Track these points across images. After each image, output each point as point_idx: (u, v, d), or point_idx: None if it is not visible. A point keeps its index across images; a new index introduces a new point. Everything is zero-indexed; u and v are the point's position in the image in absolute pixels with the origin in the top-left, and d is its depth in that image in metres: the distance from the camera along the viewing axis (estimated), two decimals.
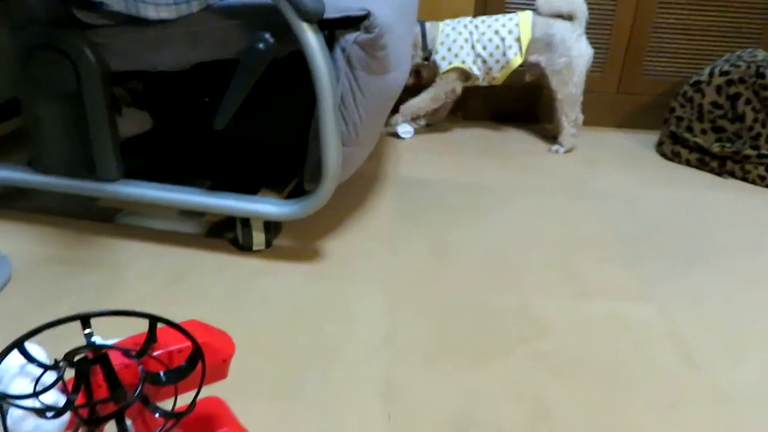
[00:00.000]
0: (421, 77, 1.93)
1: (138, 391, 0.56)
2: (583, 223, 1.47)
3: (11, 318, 1.01)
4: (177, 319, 0.70)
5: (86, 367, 0.53)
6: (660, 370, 1.00)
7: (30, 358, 0.56)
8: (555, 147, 1.90)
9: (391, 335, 1.04)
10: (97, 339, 0.66)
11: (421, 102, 1.88)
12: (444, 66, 1.81)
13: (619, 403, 0.92)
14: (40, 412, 0.52)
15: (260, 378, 0.93)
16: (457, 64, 1.80)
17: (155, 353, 0.64)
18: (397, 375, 0.95)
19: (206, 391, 0.84)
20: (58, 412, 0.52)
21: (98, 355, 0.55)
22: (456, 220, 1.45)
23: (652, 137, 2.02)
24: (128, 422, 0.65)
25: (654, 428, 0.88)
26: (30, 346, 0.59)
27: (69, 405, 0.53)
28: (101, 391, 0.58)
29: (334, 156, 1.12)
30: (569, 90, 1.82)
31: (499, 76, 1.83)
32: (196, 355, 0.61)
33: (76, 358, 0.54)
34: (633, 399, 0.93)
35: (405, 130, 1.94)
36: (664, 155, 1.91)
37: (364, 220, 1.42)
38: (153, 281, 1.15)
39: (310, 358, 0.97)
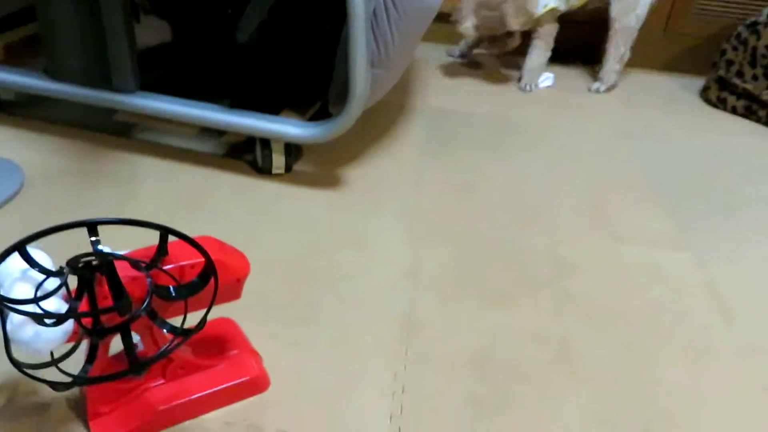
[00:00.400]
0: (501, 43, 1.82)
1: (146, 303, 0.52)
2: (619, 165, 1.40)
3: (22, 225, 0.99)
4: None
5: (90, 273, 0.50)
6: (691, 321, 0.95)
7: (32, 262, 0.53)
8: (595, 85, 1.80)
9: (411, 268, 1.00)
10: (105, 249, 0.62)
11: (539, 57, 1.77)
12: (540, 10, 1.69)
13: (647, 351, 0.88)
14: (40, 319, 0.48)
15: (274, 302, 0.90)
16: (552, 5, 1.69)
17: (166, 267, 0.60)
18: (416, 308, 0.91)
19: (218, 312, 0.81)
20: (59, 320, 0.49)
21: (103, 262, 0.51)
22: (486, 155, 1.38)
23: (697, 82, 1.90)
24: (136, 338, 0.62)
25: (681, 378, 0.84)
26: (34, 252, 0.56)
27: (70, 312, 0.50)
28: (107, 303, 0.55)
29: (362, 77, 1.05)
30: (629, 21, 1.70)
31: (577, 2, 1.71)
32: (209, 271, 0.57)
33: (80, 264, 0.50)
34: (661, 348, 0.89)
35: (544, 79, 1.82)
36: (708, 101, 1.80)
37: (389, 149, 1.36)
38: (168, 198, 1.11)
39: (326, 286, 0.94)
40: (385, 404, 0.76)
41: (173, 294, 0.56)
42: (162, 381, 0.70)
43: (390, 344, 0.85)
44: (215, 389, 0.71)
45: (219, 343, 0.76)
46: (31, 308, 0.50)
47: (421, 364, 0.82)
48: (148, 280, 0.53)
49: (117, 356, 0.72)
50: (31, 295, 0.51)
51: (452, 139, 1.44)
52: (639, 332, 0.91)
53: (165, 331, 0.54)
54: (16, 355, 0.53)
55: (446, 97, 1.67)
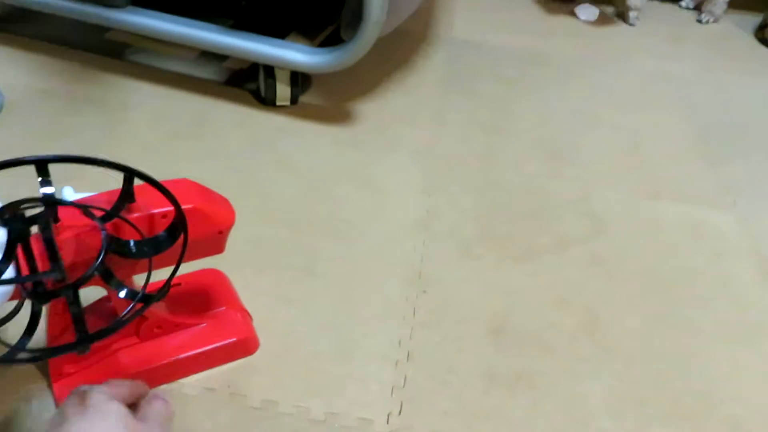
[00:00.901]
0: None
1: (97, 262, 0.43)
2: (659, 109, 1.26)
3: None
4: (181, 176, 0.56)
5: (21, 227, 0.40)
6: (733, 288, 0.85)
7: None
8: (704, 17, 1.70)
9: (425, 218, 0.90)
10: (67, 191, 0.53)
11: None
12: None
13: (682, 321, 0.78)
14: None
15: (270, 251, 0.80)
16: None
17: (132, 216, 0.50)
18: (428, 264, 0.82)
19: (205, 263, 0.72)
20: None
21: (40, 212, 0.41)
22: (513, 93, 1.25)
23: (753, 20, 1.72)
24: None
25: (719, 352, 0.74)
26: None
27: None
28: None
29: None
30: None
31: None
32: (178, 223, 0.48)
33: (12, 215, 0.41)
34: (698, 317, 0.79)
35: (586, 11, 1.64)
36: (763, 41, 1.63)
37: (407, 83, 1.23)
38: (161, 129, 1.01)
39: (328, 234, 0.84)
40: (387, 374, 0.68)
41: (133, 250, 0.47)
42: (136, 340, 0.62)
43: (396, 305, 0.76)
44: (196, 351, 0.63)
45: (204, 299, 0.68)
46: None
47: (430, 329, 0.73)
48: (103, 232, 0.44)
49: (92, 309, 0.64)
50: None
51: (477, 74, 1.30)
52: (674, 300, 0.82)
53: (121, 296, 0.45)
54: None
55: (473, 27, 1.51)
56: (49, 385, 0.61)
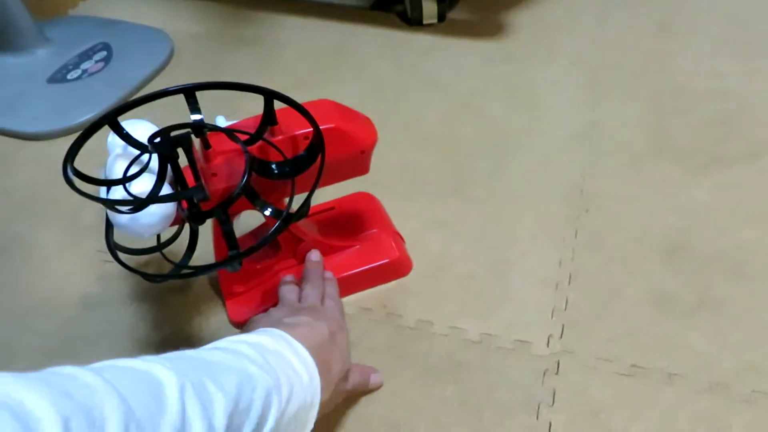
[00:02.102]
0: None
1: (243, 182, 0.44)
2: None
3: None
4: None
5: (168, 149, 0.42)
6: None
7: (125, 137, 0.46)
8: None
9: (587, 130, 0.82)
10: (219, 119, 0.55)
11: None
12: None
13: None
14: (110, 205, 0.42)
15: (422, 173, 0.79)
16: None
17: (275, 139, 0.51)
18: (591, 180, 0.75)
19: (356, 186, 0.73)
20: (135, 207, 0.43)
21: (185, 134, 0.43)
22: None
23: None
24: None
25: None
26: (140, 125, 0.49)
27: (139, 199, 0.43)
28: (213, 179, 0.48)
29: None
30: None
31: None
32: (316, 142, 0.47)
33: (161, 139, 0.43)
34: None
35: None
36: None
37: None
38: (311, 59, 1.02)
39: (481, 155, 0.80)
40: (547, 297, 0.64)
41: (275, 171, 0.47)
42: (294, 263, 0.64)
43: (556, 224, 0.70)
44: (351, 272, 0.64)
45: (356, 222, 0.68)
46: (120, 191, 0.44)
47: (594, 251, 0.67)
48: (246, 154, 0.45)
49: (253, 234, 0.68)
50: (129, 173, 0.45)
51: None
52: None
53: (266, 214, 0.46)
54: (122, 240, 0.49)
55: None
56: (223, 304, 0.65)
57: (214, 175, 0.51)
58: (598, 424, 0.54)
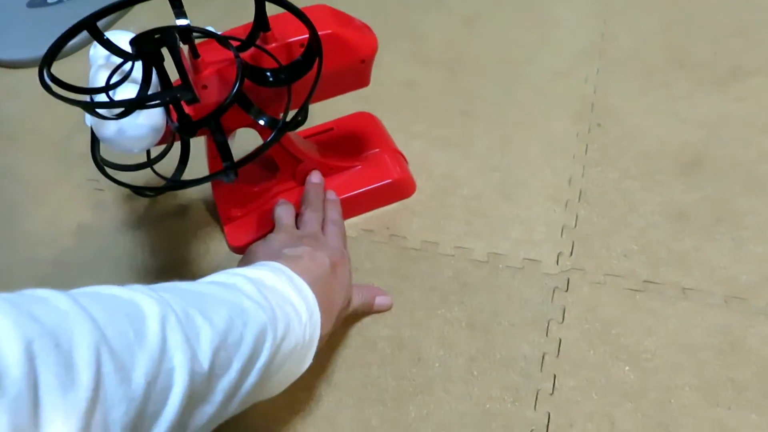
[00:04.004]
0: None
1: (234, 89, 0.41)
2: None
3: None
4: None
5: (150, 47, 0.38)
6: None
7: (102, 42, 0.43)
8: None
9: (599, 43, 0.77)
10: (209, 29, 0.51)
11: None
12: None
13: None
14: (90, 110, 0.39)
15: (427, 91, 0.75)
16: None
17: (269, 46, 0.47)
18: (603, 93, 0.71)
19: (357, 106, 0.70)
20: (126, 110, 0.40)
21: (170, 37, 0.39)
22: None
23: None
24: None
25: None
26: (122, 35, 0.46)
27: (116, 102, 0.40)
28: (204, 91, 0.45)
29: None
30: None
31: None
32: (313, 45, 0.44)
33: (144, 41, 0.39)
34: None
35: None
36: None
37: None
38: None
39: (489, 71, 0.76)
40: (557, 215, 0.61)
41: (270, 78, 0.44)
42: (294, 185, 0.62)
43: (565, 141, 0.67)
44: (353, 193, 0.62)
45: (357, 142, 0.65)
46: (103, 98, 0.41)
47: (606, 166, 0.64)
48: (237, 60, 0.41)
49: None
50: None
51: None
52: None
53: (261, 123, 0.43)
54: (110, 156, 0.46)
55: None
56: (221, 230, 0.63)
57: (205, 87, 0.47)
58: (610, 340, 0.52)
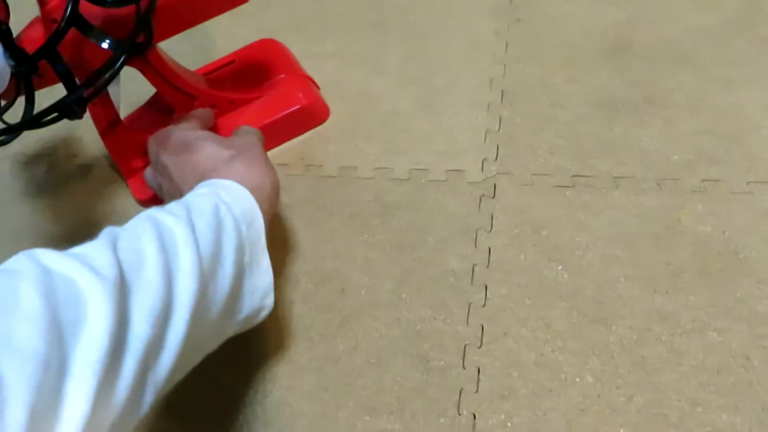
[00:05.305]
0: None
1: (68, 12, 0.36)
2: None
3: None
4: None
5: None
6: None
7: None
8: None
9: None
10: None
11: None
12: None
13: None
14: None
15: (330, 7, 0.69)
16: None
17: None
18: None
19: (262, 33, 0.64)
20: None
21: None
22: None
23: None
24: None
25: None
26: None
27: None
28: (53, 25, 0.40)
29: None
30: None
31: None
32: None
33: None
34: None
35: None
36: None
37: None
38: None
39: None
40: (479, 120, 0.57)
41: None
42: None
43: (483, 42, 0.63)
44: (261, 125, 0.57)
45: (260, 71, 0.60)
46: None
47: (528, 62, 0.60)
48: None
49: (147, 104, 0.60)
50: None
51: None
52: None
53: (104, 46, 0.38)
54: None
55: None
56: (126, 184, 0.59)
57: (55, 21, 0.42)
58: (540, 242, 0.49)
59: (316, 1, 0.70)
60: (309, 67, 0.62)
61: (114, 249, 0.30)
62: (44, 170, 0.63)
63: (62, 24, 0.36)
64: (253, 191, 0.39)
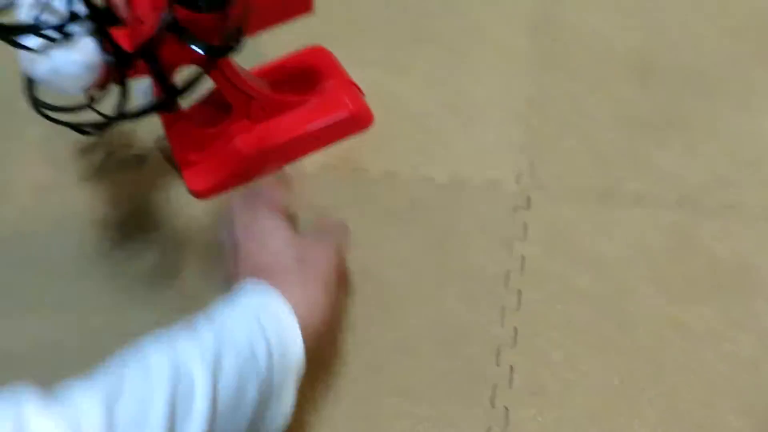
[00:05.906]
0: None
1: (166, 15, 0.40)
2: None
3: None
4: None
5: None
6: None
7: None
8: None
9: None
10: None
11: None
12: None
13: None
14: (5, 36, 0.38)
15: (371, 19, 0.73)
16: None
17: None
18: (556, 6, 0.70)
19: (308, 40, 0.68)
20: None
21: None
22: None
23: None
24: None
25: None
26: None
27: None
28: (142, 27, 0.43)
29: None
30: None
31: None
32: None
33: None
34: None
35: None
36: None
37: None
38: None
39: None
40: (514, 132, 0.62)
41: (201, 2, 0.43)
42: (249, 124, 0.61)
43: (518, 57, 0.66)
44: (309, 129, 0.61)
45: (309, 77, 0.64)
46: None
47: (560, 80, 0.64)
48: None
49: (205, 101, 0.64)
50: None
51: None
52: None
53: (199, 50, 0.42)
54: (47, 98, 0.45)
55: None
56: (180, 175, 0.63)
57: (143, 23, 0.46)
58: (571, 250, 0.53)
59: (352, 11, 0.73)
60: (352, 73, 0.65)
61: (108, 403, 0.31)
62: (102, 158, 0.66)
63: (160, 27, 0.40)
64: (301, 316, 0.39)
